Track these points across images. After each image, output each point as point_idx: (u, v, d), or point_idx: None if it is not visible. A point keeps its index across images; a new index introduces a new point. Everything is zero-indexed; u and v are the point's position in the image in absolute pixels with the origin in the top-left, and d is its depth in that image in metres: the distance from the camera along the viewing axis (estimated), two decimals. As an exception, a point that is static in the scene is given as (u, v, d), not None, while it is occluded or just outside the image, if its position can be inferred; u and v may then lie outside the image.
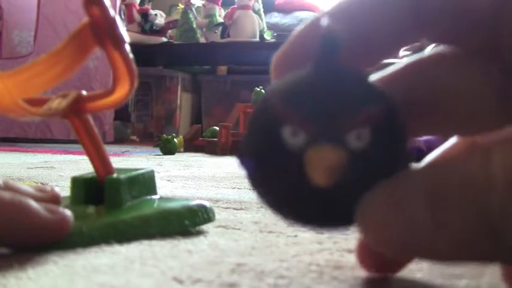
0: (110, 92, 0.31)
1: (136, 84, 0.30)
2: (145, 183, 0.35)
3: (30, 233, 0.27)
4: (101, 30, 0.29)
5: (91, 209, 0.33)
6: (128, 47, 0.30)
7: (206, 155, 1.45)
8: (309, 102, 0.17)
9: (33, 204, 0.27)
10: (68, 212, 0.28)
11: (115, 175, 0.34)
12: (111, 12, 0.29)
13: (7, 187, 0.29)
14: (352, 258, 0.28)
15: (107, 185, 0.33)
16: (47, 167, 0.88)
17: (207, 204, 0.35)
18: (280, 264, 0.26)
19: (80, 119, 0.32)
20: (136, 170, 0.36)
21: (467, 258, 0.17)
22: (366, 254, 0.24)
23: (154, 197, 0.36)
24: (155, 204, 0.34)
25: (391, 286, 0.23)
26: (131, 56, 0.30)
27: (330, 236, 0.34)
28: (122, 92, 0.31)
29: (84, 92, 0.32)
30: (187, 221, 0.33)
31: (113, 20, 0.29)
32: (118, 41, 0.29)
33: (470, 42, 0.19)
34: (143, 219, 0.32)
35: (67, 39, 0.29)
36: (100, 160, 0.34)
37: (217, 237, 0.33)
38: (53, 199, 0.31)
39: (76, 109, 0.32)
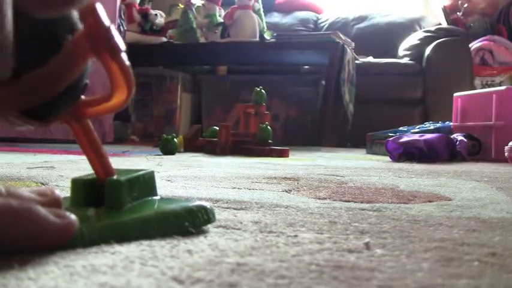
0: (108, 98, 0.31)
1: (133, 91, 0.31)
2: (145, 184, 0.35)
3: (38, 238, 0.27)
4: (96, 40, 0.29)
5: (91, 211, 0.33)
6: (124, 56, 0.30)
7: (206, 155, 1.45)
8: None
9: (41, 210, 0.28)
10: (74, 216, 0.29)
11: (115, 177, 0.34)
12: (107, 22, 0.29)
13: (9, 194, 0.29)
14: (352, 258, 0.28)
15: (107, 186, 0.33)
16: (47, 167, 0.88)
17: (207, 205, 0.35)
18: (280, 264, 0.26)
19: (79, 124, 0.32)
20: (137, 171, 0.36)
21: None
22: None
23: (154, 198, 0.36)
24: (155, 206, 0.34)
25: (391, 286, 0.23)
26: (128, 63, 0.30)
27: (330, 236, 0.34)
28: (120, 98, 0.31)
29: (83, 97, 0.32)
30: (187, 223, 0.33)
31: (109, 30, 0.29)
32: (114, 50, 0.29)
33: None
34: (144, 220, 0.32)
35: (64, 48, 0.29)
36: (100, 163, 0.34)
37: (217, 237, 0.33)
38: (54, 202, 0.31)
39: (75, 114, 0.32)
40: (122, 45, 0.29)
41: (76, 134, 0.33)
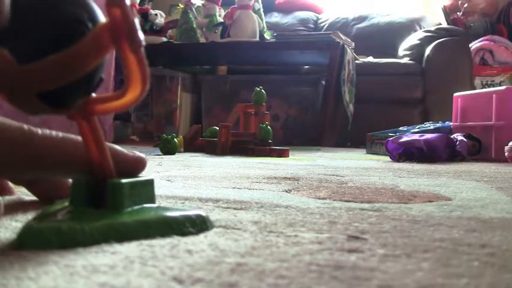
0: (121, 95, 0.31)
1: (148, 88, 0.30)
2: (145, 190, 0.36)
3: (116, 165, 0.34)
4: (119, 32, 0.29)
5: (92, 211, 0.33)
6: (143, 50, 0.30)
7: (206, 155, 1.45)
8: None
9: (118, 147, 0.37)
10: (143, 154, 0.37)
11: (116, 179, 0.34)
12: (131, 15, 0.29)
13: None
14: (352, 258, 0.28)
15: (109, 187, 0.33)
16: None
17: (204, 213, 0.36)
18: (280, 264, 0.26)
19: (87, 121, 0.32)
20: (136, 176, 0.36)
21: None
22: None
23: (152, 205, 0.36)
24: (154, 211, 0.34)
25: (391, 286, 0.23)
26: (146, 59, 0.30)
27: (330, 236, 0.34)
28: (133, 94, 0.31)
29: (93, 94, 0.32)
30: (185, 229, 0.33)
31: (133, 23, 0.29)
32: (135, 44, 0.29)
33: None
34: (145, 223, 0.32)
35: (86, 36, 0.29)
36: (102, 163, 0.34)
37: (217, 237, 0.33)
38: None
39: (84, 111, 0.32)
40: (143, 40, 0.30)
41: (82, 131, 0.33)
